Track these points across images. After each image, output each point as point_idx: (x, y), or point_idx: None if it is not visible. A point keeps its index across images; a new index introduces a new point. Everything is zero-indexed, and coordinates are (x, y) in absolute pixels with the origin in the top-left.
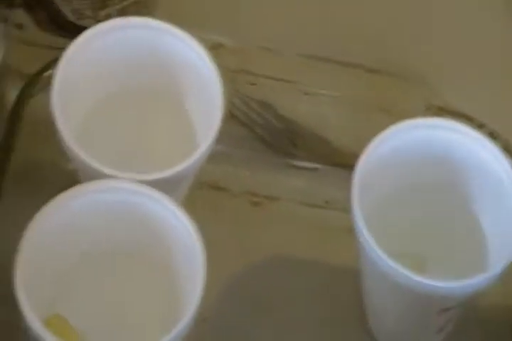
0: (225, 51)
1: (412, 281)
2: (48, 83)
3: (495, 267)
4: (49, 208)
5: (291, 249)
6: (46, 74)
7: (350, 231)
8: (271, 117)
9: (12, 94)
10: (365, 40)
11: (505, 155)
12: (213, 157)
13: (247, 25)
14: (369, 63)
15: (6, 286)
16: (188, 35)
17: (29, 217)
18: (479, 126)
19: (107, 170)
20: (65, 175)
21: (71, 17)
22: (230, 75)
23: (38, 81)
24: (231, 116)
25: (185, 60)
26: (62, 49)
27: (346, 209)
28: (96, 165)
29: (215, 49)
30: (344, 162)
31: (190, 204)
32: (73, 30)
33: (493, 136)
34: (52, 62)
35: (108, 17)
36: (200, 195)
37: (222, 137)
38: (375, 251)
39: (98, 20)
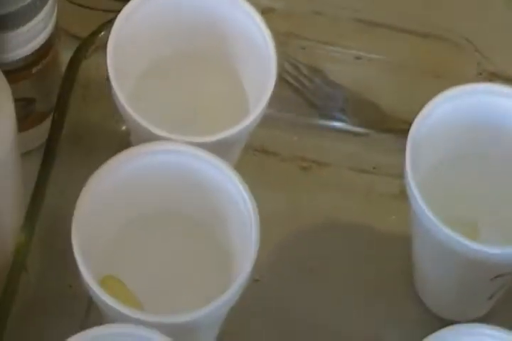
0: (275, 15)
1: (468, 249)
2: (100, 45)
3: None
4: (103, 170)
5: (339, 213)
6: (99, 36)
7: (398, 196)
8: (320, 82)
9: (65, 57)
10: (417, 5)
11: None
12: (261, 121)
13: None
14: (421, 28)
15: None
16: (242, 0)
17: (83, 175)
18: None
19: (160, 132)
20: (117, 137)
21: None
22: (281, 39)
23: (91, 43)
24: (280, 80)
25: (239, 24)
26: (114, 11)
27: (394, 174)
28: (149, 126)
29: (266, 13)
30: (393, 127)
31: (239, 168)
32: None
33: None
34: (105, 25)
35: None
36: (249, 159)
37: (271, 101)
38: (430, 218)
39: None
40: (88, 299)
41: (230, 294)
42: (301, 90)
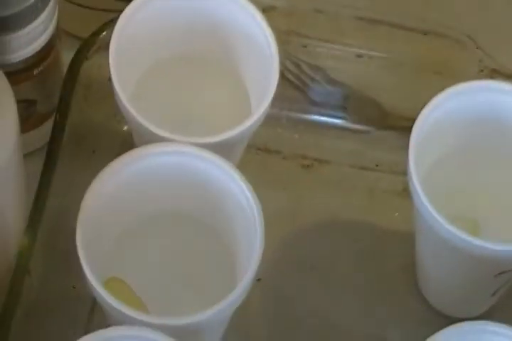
0: (277, 13)
1: (472, 245)
2: (101, 46)
3: None
4: (106, 172)
5: (342, 211)
6: (100, 36)
7: (401, 193)
8: (322, 80)
9: (66, 57)
10: (418, 2)
11: None
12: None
13: None
14: (422, 26)
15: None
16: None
17: (85, 176)
18: None
19: (162, 133)
20: (120, 137)
21: None
22: (282, 37)
23: (92, 43)
24: (282, 78)
25: (241, 23)
26: (114, 11)
27: (396, 171)
28: (152, 127)
29: (267, 11)
30: (394, 125)
31: (241, 167)
32: None
33: None
34: (106, 25)
35: None
36: (250, 157)
37: (272, 99)
38: (433, 215)
39: None
40: (92, 300)
41: (235, 296)
42: (303, 88)
